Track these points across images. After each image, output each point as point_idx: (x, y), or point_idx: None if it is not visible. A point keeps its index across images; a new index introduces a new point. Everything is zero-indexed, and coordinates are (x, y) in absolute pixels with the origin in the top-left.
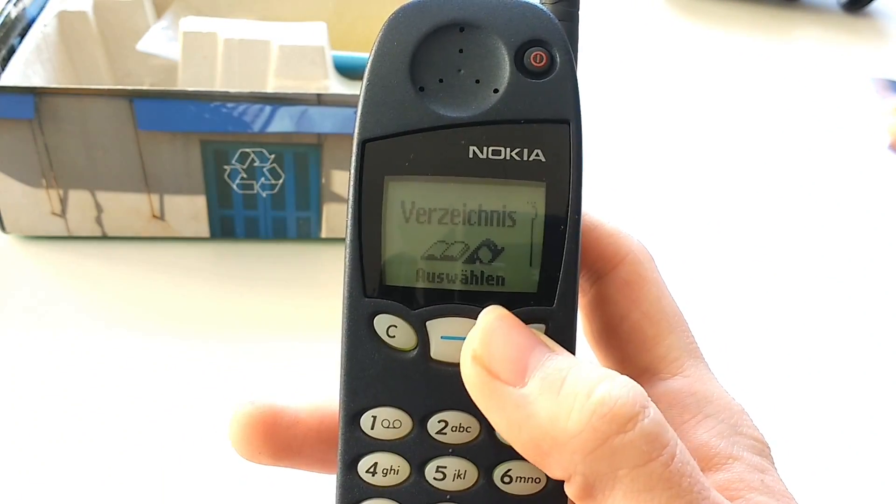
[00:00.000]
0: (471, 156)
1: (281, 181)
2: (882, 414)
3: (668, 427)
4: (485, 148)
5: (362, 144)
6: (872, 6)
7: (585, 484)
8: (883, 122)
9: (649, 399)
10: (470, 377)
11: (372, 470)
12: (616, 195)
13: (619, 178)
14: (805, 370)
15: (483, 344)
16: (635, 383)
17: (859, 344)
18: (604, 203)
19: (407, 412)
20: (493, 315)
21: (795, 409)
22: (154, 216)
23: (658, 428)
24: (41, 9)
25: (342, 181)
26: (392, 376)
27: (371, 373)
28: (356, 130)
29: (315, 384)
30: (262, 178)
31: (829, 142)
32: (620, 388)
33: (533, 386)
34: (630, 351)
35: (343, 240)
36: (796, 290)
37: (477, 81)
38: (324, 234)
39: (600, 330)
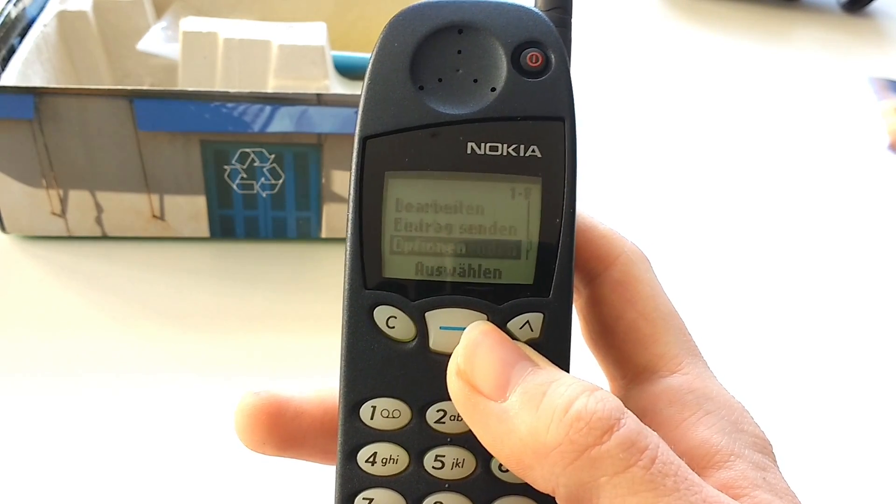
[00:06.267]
0: (469, 152)
1: (281, 181)
2: (879, 414)
3: (647, 433)
4: (482, 144)
5: (363, 141)
6: (872, 6)
7: (570, 495)
8: (883, 122)
9: (626, 410)
10: (454, 391)
11: (371, 459)
12: (616, 196)
13: (618, 179)
14: (805, 370)
15: (466, 359)
16: (613, 397)
17: (858, 344)
18: (604, 204)
19: (406, 402)
20: (477, 330)
21: (793, 409)
22: (154, 216)
23: (634, 435)
24: (41, 9)
25: (342, 181)
26: (391, 367)
27: (370, 364)
28: (357, 127)
29: (315, 383)
30: (262, 178)
31: (829, 142)
32: (597, 402)
33: (514, 400)
34: (628, 350)
35: (343, 239)
36: (796, 291)
37: (475, 81)
38: (324, 234)
39: (598, 331)
